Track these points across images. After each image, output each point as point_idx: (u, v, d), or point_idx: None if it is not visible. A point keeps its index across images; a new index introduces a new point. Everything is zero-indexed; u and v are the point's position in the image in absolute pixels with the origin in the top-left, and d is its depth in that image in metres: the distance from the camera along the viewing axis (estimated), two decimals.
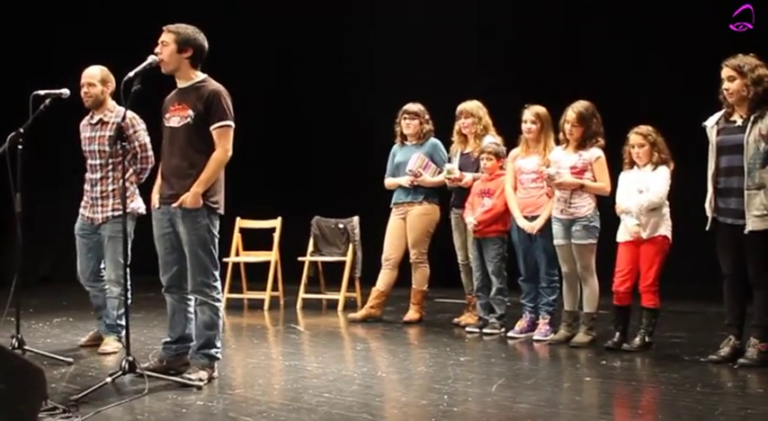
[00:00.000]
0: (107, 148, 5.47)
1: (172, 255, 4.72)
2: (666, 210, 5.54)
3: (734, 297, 5.10)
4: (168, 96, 4.76)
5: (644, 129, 5.55)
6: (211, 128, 4.58)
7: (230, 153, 4.62)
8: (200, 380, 4.52)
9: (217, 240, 4.69)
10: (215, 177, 4.59)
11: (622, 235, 5.59)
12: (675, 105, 7.51)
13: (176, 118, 4.64)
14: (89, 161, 5.61)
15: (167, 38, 4.63)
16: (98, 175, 5.55)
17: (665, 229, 5.51)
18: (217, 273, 4.69)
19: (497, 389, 4.46)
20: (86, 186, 5.62)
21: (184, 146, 4.61)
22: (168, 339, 4.86)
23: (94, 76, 5.59)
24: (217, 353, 4.70)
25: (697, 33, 7.73)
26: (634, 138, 5.57)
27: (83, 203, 5.64)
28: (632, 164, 5.61)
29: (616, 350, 5.46)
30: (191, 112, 4.59)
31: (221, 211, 4.72)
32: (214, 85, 4.66)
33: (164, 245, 4.73)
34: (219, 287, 4.72)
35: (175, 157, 4.64)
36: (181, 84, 4.70)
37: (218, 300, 4.69)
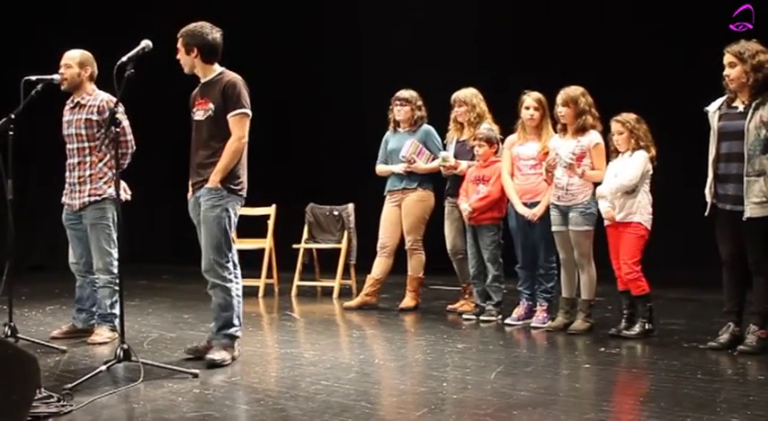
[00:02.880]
0: (83, 132, 5.39)
1: None
2: (642, 198, 5.46)
3: (733, 284, 5.06)
4: (194, 91, 4.91)
5: (623, 116, 5.53)
6: (228, 116, 4.71)
7: (245, 140, 4.76)
8: (224, 360, 4.68)
9: (234, 223, 4.80)
10: (231, 165, 4.72)
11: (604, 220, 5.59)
12: (674, 97, 7.46)
13: (201, 111, 4.82)
14: (67, 146, 5.50)
15: (178, 43, 4.81)
16: (75, 160, 5.45)
17: (641, 216, 5.46)
18: (230, 255, 4.79)
19: (496, 376, 4.43)
20: (66, 172, 5.52)
21: (208, 137, 4.78)
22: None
23: (73, 58, 5.50)
24: (237, 331, 4.87)
25: (697, 33, 7.65)
26: (614, 125, 5.56)
27: (64, 191, 5.54)
28: (617, 152, 5.59)
29: (616, 337, 5.44)
30: (212, 105, 4.76)
31: (244, 193, 4.84)
32: (230, 76, 4.81)
33: (199, 231, 4.87)
34: (232, 267, 4.82)
35: (201, 148, 4.83)
36: (203, 79, 4.86)
37: (230, 280, 4.80)
